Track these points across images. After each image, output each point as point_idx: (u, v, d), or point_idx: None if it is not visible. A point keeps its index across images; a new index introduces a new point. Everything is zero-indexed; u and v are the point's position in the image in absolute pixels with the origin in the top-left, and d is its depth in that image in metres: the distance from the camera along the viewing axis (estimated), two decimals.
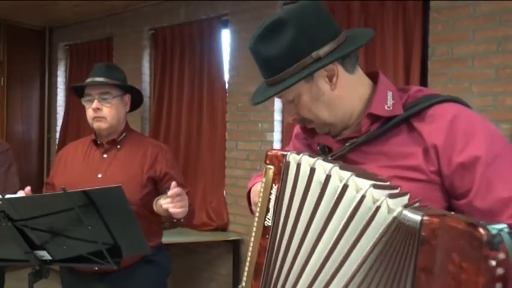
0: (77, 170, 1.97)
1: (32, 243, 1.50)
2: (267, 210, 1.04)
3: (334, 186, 0.91)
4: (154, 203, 1.83)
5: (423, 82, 2.72)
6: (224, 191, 3.73)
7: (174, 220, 1.76)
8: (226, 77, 3.75)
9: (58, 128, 5.39)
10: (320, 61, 1.00)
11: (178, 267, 3.91)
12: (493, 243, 0.73)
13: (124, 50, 4.54)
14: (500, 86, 2.47)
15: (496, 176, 0.93)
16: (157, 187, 1.97)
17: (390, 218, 0.83)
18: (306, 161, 0.98)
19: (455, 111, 0.99)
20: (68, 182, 1.68)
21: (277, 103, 3.42)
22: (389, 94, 1.05)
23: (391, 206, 0.84)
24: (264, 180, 1.06)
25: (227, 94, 3.73)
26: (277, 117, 3.45)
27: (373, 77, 1.11)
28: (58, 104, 5.46)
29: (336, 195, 0.91)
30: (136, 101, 2.08)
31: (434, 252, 0.77)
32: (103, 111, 1.90)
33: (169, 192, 1.66)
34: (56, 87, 5.44)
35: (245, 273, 1.09)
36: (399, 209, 0.83)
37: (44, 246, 1.51)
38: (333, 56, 1.01)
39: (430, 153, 0.97)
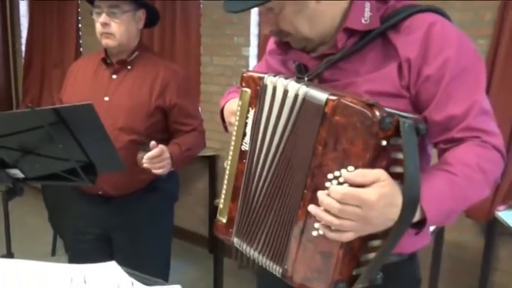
0: (84, 89, 1.85)
1: (3, 161, 1.48)
2: (244, 135, 1.04)
3: (299, 102, 0.94)
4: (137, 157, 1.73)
5: None
6: (199, 107, 3.69)
7: None
8: None
9: (23, 40, 5.12)
10: None
11: None
12: (384, 123, 0.80)
13: None
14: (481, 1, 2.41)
15: (458, 90, 0.95)
16: (167, 116, 1.87)
17: (300, 99, 0.91)
18: (281, 83, 0.97)
19: (432, 21, 0.97)
20: (74, 102, 1.61)
21: (254, 15, 3.29)
22: (367, 6, 1.00)
23: (303, 90, 0.91)
24: (240, 103, 1.04)
25: (201, 6, 3.56)
26: (254, 30, 3.33)
27: None
28: (21, 15, 5.13)
29: (296, 110, 0.94)
30: (152, 17, 1.89)
31: (332, 127, 0.85)
32: (111, 27, 1.74)
33: (147, 155, 1.62)
34: None
35: (222, 196, 1.11)
36: (306, 89, 0.90)
37: (16, 164, 1.49)
38: None
39: (403, 68, 0.96)
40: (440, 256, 2.60)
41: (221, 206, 1.11)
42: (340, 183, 0.84)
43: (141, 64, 1.86)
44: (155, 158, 1.65)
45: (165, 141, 1.84)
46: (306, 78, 1.04)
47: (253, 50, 3.35)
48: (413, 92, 0.98)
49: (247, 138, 1.04)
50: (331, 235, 0.85)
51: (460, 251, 2.67)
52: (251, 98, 1.02)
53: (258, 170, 1.02)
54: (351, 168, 0.83)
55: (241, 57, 3.37)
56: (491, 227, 2.53)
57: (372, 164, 0.82)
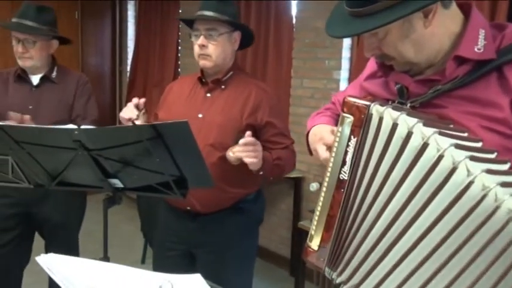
0: (180, 107, 1.95)
1: (106, 171, 1.60)
2: (343, 163, 0.99)
3: (415, 145, 0.87)
4: (227, 152, 1.77)
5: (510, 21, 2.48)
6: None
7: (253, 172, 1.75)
8: (294, 11, 3.62)
9: (129, 61, 5.56)
10: None
11: None
12: None
13: None
14: None
15: None
16: (259, 135, 1.86)
17: (506, 217, 0.77)
18: (389, 114, 0.91)
19: None
20: (170, 118, 1.71)
21: (346, 39, 3.27)
22: (482, 33, 0.93)
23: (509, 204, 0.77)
24: (339, 129, 1.00)
25: (294, 29, 3.63)
26: (346, 54, 3.31)
27: (465, 10, 0.98)
28: (129, 38, 5.59)
29: (414, 155, 0.87)
30: (247, 38, 1.96)
31: None
32: (208, 49, 1.82)
33: (241, 141, 1.65)
34: (127, 22, 5.55)
35: (314, 222, 1.07)
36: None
37: (116, 174, 1.60)
38: None
39: None
40: None
41: (312, 232, 1.07)
42: None
43: (234, 83, 1.91)
44: (249, 145, 1.65)
45: None
46: (408, 104, 0.99)
47: (344, 74, 3.33)
48: None
49: (346, 167, 0.98)
50: None
51: None
52: (354, 126, 0.97)
53: (358, 201, 0.98)
54: None
55: (332, 81, 3.36)
56: None
57: None
